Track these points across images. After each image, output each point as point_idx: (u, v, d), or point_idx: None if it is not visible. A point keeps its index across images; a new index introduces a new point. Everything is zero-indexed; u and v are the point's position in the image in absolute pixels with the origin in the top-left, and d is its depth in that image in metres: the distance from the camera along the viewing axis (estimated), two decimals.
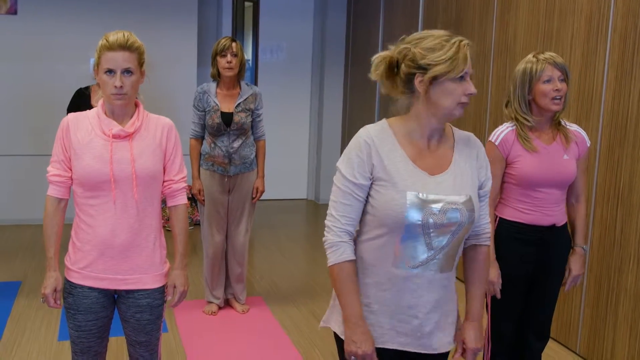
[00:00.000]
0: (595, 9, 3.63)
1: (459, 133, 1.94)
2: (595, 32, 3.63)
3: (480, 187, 1.92)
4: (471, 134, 1.97)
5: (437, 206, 1.78)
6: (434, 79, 1.76)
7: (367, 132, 1.84)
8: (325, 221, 1.88)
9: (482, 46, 4.77)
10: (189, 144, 4.10)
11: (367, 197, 1.83)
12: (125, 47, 2.13)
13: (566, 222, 2.78)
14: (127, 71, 2.14)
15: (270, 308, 4.36)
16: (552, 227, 2.71)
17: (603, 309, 3.61)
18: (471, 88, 1.78)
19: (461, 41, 1.76)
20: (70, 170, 2.21)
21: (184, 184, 2.34)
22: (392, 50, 1.84)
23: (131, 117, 2.23)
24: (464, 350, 1.98)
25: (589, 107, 3.69)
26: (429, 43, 1.77)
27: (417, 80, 1.79)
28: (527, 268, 2.74)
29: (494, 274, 2.67)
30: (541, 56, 2.64)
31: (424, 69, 1.76)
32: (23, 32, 6.15)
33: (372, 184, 1.82)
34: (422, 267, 1.82)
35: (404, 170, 1.80)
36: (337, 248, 1.83)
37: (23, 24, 6.15)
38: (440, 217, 1.78)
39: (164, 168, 2.29)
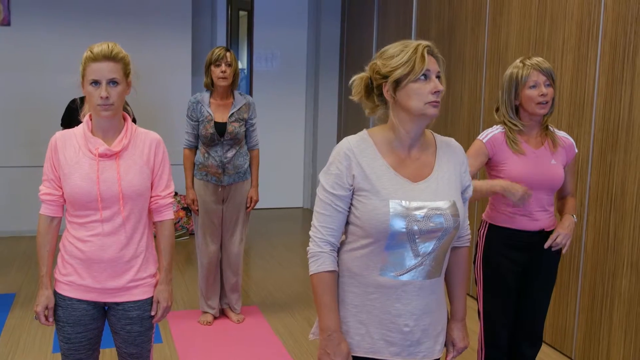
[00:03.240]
0: (586, 14, 3.65)
1: (440, 139, 1.95)
2: (586, 38, 3.65)
3: (463, 192, 1.93)
4: (452, 139, 1.98)
5: (420, 213, 1.78)
6: (397, 84, 1.79)
7: (348, 143, 1.85)
8: (309, 232, 1.89)
9: (474, 53, 4.78)
10: (183, 153, 4.11)
11: (350, 208, 1.85)
12: (109, 57, 2.12)
13: (555, 229, 2.78)
14: (112, 82, 2.13)
15: (266, 317, 4.35)
16: (541, 232, 2.71)
17: (598, 314, 3.60)
18: (438, 86, 1.78)
19: (419, 44, 1.79)
20: (61, 188, 2.21)
21: (171, 199, 2.33)
22: (367, 70, 1.88)
23: (119, 131, 2.22)
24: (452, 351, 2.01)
25: (580, 113, 3.70)
26: (390, 52, 1.82)
27: (384, 90, 1.82)
28: (517, 274, 2.74)
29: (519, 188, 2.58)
30: (528, 62, 2.66)
31: (387, 77, 1.80)
32: (17, 43, 6.16)
33: (353, 194, 1.83)
34: (409, 274, 1.82)
35: (386, 179, 1.81)
36: (317, 258, 1.85)
37: (17, 35, 6.15)
38: (425, 223, 1.79)
39: (152, 184, 2.28)
